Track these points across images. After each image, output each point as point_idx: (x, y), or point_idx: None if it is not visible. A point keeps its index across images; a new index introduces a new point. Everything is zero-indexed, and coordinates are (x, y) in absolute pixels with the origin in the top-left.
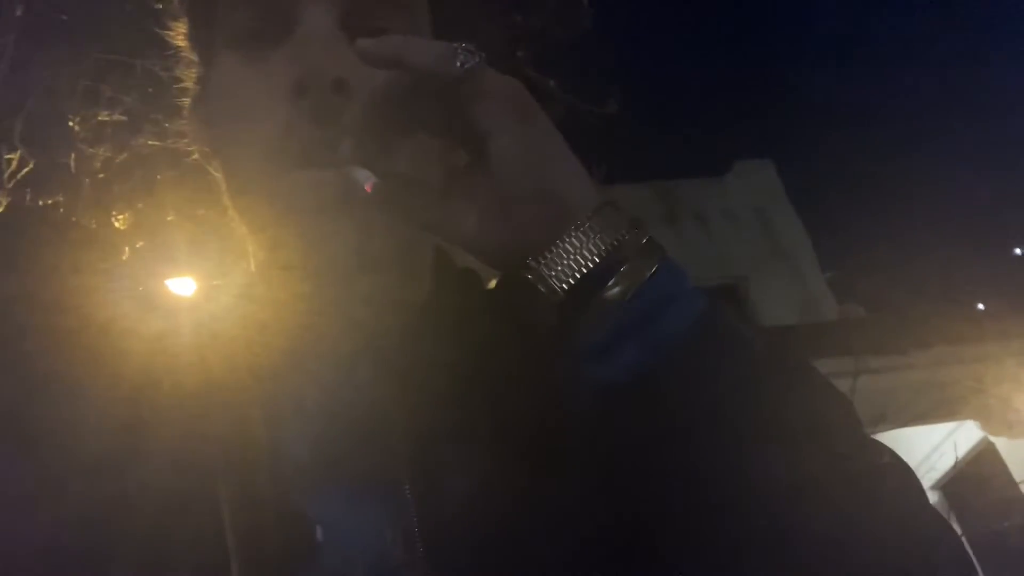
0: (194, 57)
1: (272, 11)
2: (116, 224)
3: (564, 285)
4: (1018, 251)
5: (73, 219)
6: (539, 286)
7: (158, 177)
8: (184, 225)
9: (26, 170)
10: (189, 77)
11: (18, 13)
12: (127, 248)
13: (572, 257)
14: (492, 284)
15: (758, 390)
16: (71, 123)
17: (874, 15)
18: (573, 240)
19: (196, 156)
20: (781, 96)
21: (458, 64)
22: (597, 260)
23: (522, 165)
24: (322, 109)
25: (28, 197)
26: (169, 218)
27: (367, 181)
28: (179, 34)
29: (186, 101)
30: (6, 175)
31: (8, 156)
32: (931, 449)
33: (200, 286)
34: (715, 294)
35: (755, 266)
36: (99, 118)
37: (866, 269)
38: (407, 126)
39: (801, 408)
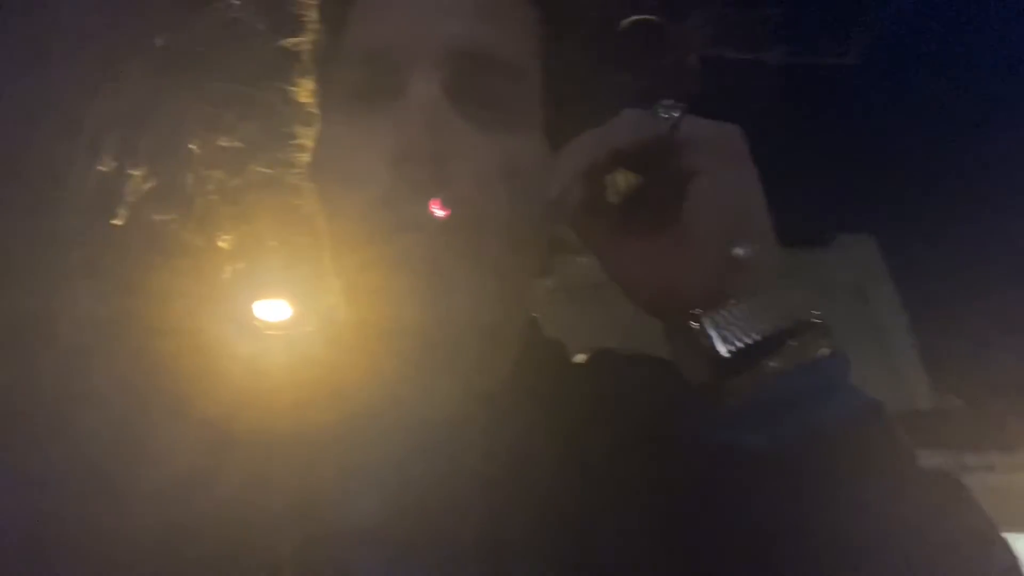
0: (316, 112)
1: (381, 74)
2: (221, 244)
3: (731, 346)
4: None
5: (182, 237)
6: (701, 340)
7: (265, 203)
8: (282, 251)
9: (147, 187)
10: (307, 135)
11: (158, 43)
12: (228, 268)
13: (746, 320)
14: (579, 358)
15: (908, 498)
16: (192, 146)
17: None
18: (754, 303)
19: (306, 209)
20: (889, 170)
21: (668, 126)
22: (772, 330)
23: (724, 210)
24: (420, 182)
25: (145, 212)
26: (271, 243)
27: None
28: (305, 91)
29: (304, 158)
30: (129, 190)
31: (133, 173)
32: None
33: (294, 311)
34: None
35: (849, 344)
36: (219, 143)
37: (968, 357)
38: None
39: (948, 527)
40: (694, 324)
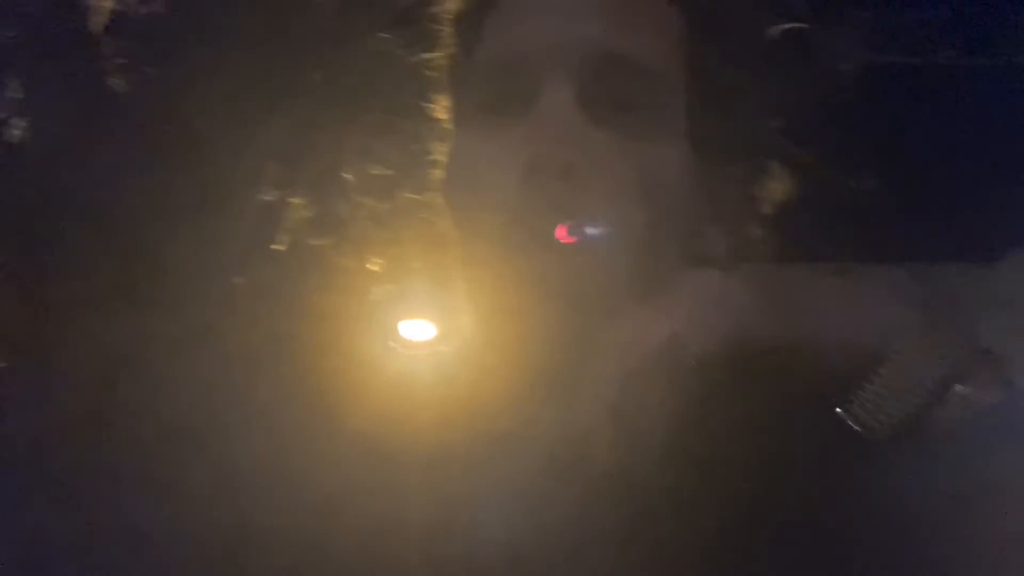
0: (450, 128)
1: (514, 84)
2: (371, 267)
3: (881, 419)
4: None
5: (337, 260)
6: (850, 422)
7: (412, 227)
8: (426, 272)
9: (305, 214)
10: (441, 152)
11: (315, 78)
12: (377, 289)
13: (891, 395)
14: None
15: None
16: (346, 175)
17: None
18: (890, 375)
19: (442, 228)
20: None
21: None
22: (925, 395)
23: None
24: (552, 197)
25: (304, 238)
26: (415, 265)
27: None
28: (441, 107)
29: (439, 174)
30: (289, 217)
31: (293, 201)
32: None
33: (437, 331)
34: None
35: (1021, 367)
36: (371, 171)
37: None
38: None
39: None
40: (839, 411)
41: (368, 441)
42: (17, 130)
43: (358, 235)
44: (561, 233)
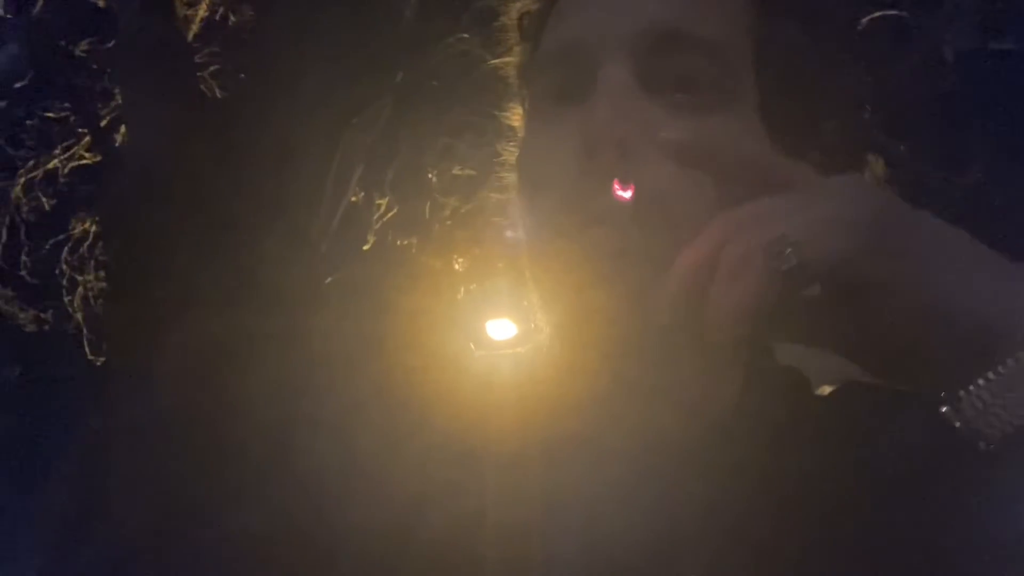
0: (520, 133)
1: (574, 71)
2: (456, 267)
3: (995, 430)
4: None
5: (422, 260)
6: (955, 423)
7: (495, 226)
8: (509, 272)
9: (391, 214)
10: (509, 152)
11: (398, 79)
12: (463, 289)
13: (1005, 395)
14: (825, 390)
15: None
16: (430, 175)
17: None
18: (1003, 375)
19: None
20: None
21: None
22: None
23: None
24: (606, 171)
25: (389, 237)
26: (500, 264)
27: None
28: (515, 115)
29: (511, 177)
30: (376, 217)
31: (379, 202)
32: None
33: (520, 329)
34: None
35: None
36: (453, 172)
37: None
38: None
39: None
40: (944, 408)
41: (454, 441)
42: (118, 135)
43: (442, 235)
44: (617, 187)
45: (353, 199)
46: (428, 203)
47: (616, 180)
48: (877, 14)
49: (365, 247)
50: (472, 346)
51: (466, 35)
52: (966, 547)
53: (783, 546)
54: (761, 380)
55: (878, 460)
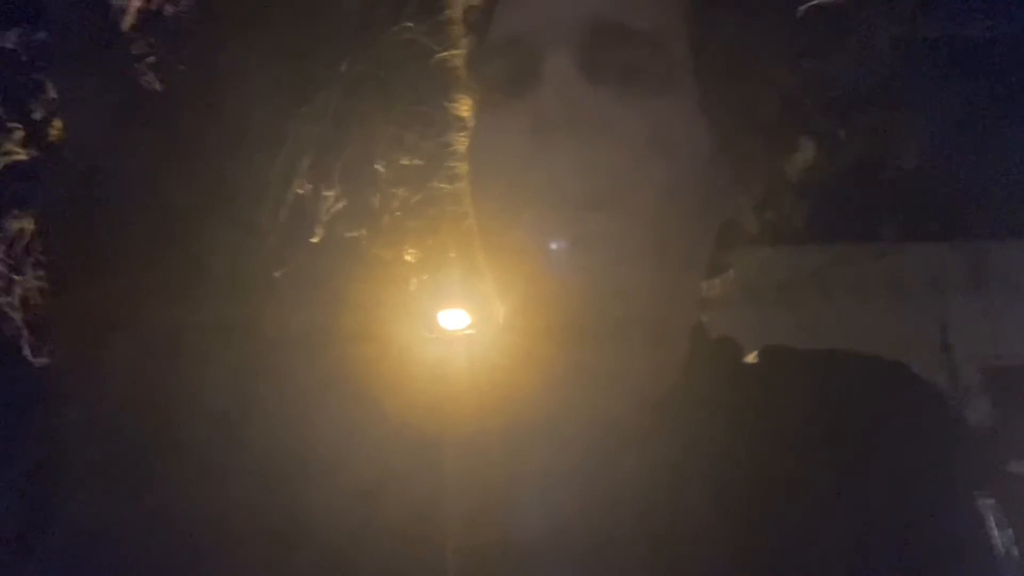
0: (470, 124)
1: (519, 62)
2: (407, 258)
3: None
4: None
5: (372, 251)
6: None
7: (446, 216)
8: (462, 262)
9: (339, 206)
10: (461, 142)
11: (343, 68)
12: (414, 280)
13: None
14: (750, 358)
15: None
16: (378, 166)
17: None
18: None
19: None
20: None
21: None
22: None
23: None
24: (558, 147)
25: (338, 230)
26: (451, 255)
27: None
28: (464, 105)
29: (464, 167)
30: (324, 210)
31: (326, 193)
32: None
33: (473, 319)
34: None
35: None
36: (402, 162)
37: None
38: None
39: None
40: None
41: (409, 429)
42: (55, 130)
43: (392, 226)
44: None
45: (300, 191)
46: (377, 194)
47: (568, 165)
48: (814, 1)
49: (314, 239)
50: (429, 333)
51: (411, 24)
52: (890, 497)
53: (726, 509)
54: (699, 356)
55: (806, 419)
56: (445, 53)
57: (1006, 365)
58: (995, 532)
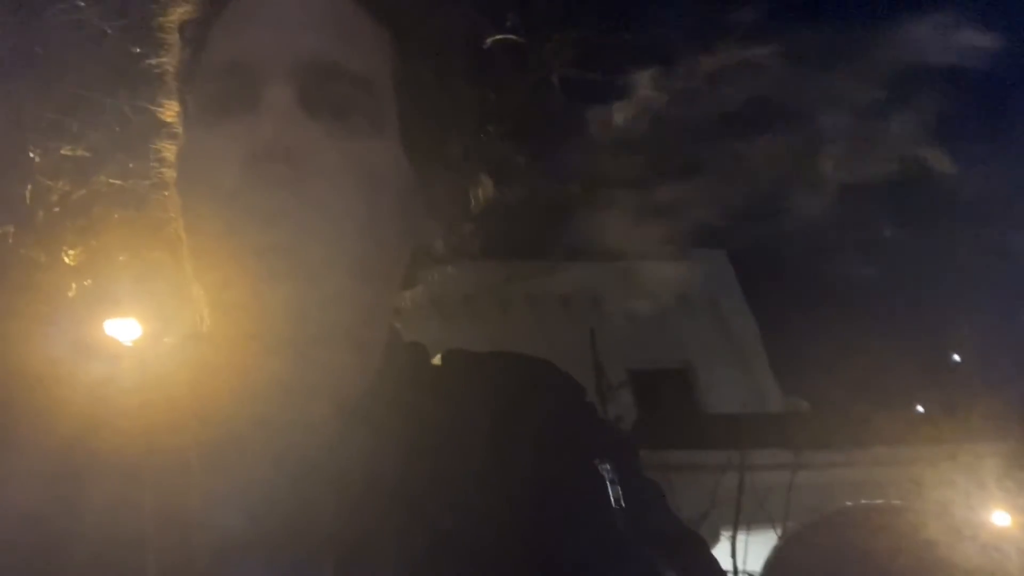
0: (180, 131)
1: (237, 86)
2: (66, 260)
3: None
4: (956, 358)
5: (21, 251)
6: None
7: (115, 216)
8: (134, 266)
9: None
10: (171, 151)
11: None
12: (74, 285)
13: None
14: (437, 360)
15: None
16: (32, 154)
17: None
18: None
19: (173, 224)
20: (739, 191)
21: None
22: None
23: None
24: (272, 176)
25: None
26: (121, 258)
27: None
28: (171, 112)
29: (170, 173)
30: None
31: None
32: None
33: (145, 330)
34: None
35: (704, 353)
36: (62, 151)
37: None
38: None
39: None
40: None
41: (60, 457)
42: None
43: (48, 223)
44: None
45: None
46: (29, 186)
47: (281, 198)
48: (499, 36)
49: None
50: (88, 349)
51: (82, 3)
52: (536, 464)
53: (413, 503)
54: (392, 361)
55: (476, 409)
56: (155, 60)
57: (647, 368)
58: (610, 488)
